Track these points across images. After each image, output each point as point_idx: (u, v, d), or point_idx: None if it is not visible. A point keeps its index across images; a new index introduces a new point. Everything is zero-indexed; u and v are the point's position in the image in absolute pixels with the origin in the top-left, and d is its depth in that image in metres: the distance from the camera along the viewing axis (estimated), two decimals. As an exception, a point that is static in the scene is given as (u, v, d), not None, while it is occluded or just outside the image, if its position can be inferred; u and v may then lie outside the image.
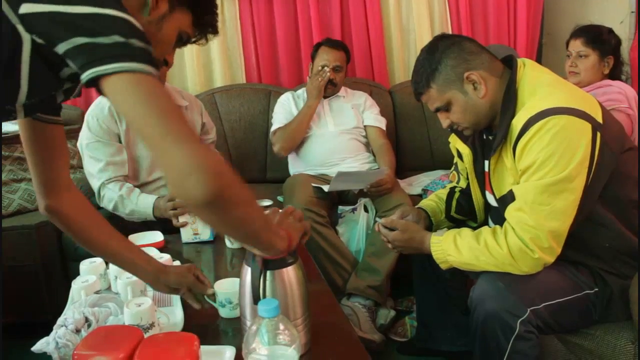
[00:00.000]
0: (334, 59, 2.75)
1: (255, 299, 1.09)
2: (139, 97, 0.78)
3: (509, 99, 1.45)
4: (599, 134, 1.36)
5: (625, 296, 1.45)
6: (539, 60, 3.46)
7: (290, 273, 1.14)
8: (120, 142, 2.20)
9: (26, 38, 0.80)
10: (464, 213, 1.79)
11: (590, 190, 1.39)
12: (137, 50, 0.80)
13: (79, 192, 1.30)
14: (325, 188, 2.42)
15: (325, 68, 2.73)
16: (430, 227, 1.76)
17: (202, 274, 1.38)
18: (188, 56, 3.21)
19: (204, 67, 3.25)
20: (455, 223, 1.81)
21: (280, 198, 2.62)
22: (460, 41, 1.50)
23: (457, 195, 1.81)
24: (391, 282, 2.39)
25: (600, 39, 2.31)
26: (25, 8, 0.79)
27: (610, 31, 2.36)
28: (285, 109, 2.82)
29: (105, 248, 1.29)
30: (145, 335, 1.14)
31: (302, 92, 2.91)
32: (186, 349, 1.04)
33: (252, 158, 3.07)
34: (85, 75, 0.78)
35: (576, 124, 1.34)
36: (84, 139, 2.19)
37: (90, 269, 1.59)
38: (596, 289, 1.47)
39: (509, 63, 1.51)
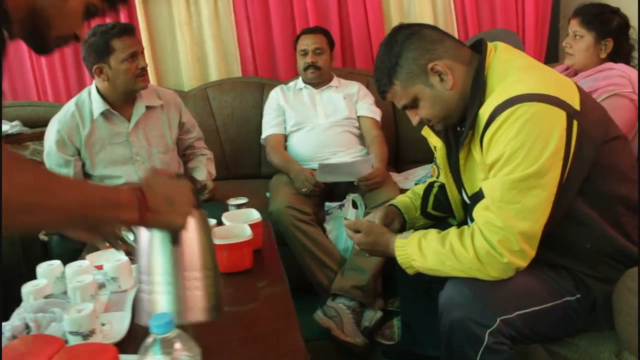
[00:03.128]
0: (312, 42, 2.66)
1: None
2: None
3: (477, 87, 1.33)
4: (575, 122, 1.23)
5: (609, 304, 1.31)
6: (553, 46, 3.26)
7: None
8: (78, 149, 2.23)
9: None
10: (443, 209, 1.66)
11: (567, 185, 1.25)
12: None
13: None
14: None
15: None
16: (404, 225, 1.64)
17: None
18: (182, 50, 3.14)
19: (199, 61, 3.18)
20: (434, 220, 1.68)
21: (268, 194, 2.53)
22: (420, 30, 1.38)
23: (435, 190, 1.68)
24: (383, 280, 2.28)
25: (599, 19, 2.13)
26: None
27: (613, 11, 2.17)
28: (273, 108, 2.74)
29: None
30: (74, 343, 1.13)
31: (293, 83, 2.81)
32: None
33: (245, 153, 2.98)
34: None
35: (548, 112, 1.21)
36: (45, 142, 2.27)
37: (47, 271, 1.52)
38: (578, 295, 1.33)
39: (479, 48, 1.37)
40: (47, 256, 2.33)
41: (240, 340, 1.27)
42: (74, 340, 1.22)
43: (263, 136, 2.72)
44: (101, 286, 1.51)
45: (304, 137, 2.63)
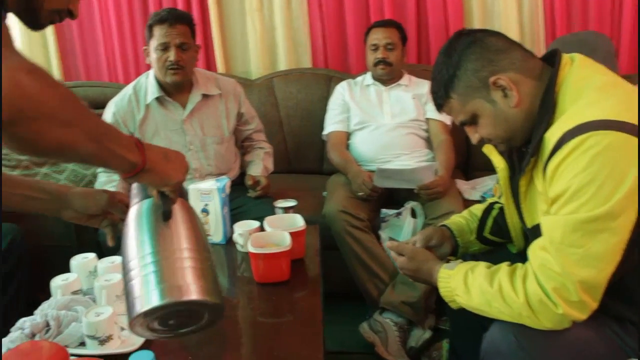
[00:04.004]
0: (383, 36, 2.50)
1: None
2: None
3: (545, 106, 1.16)
4: None
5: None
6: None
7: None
8: (132, 133, 2.14)
9: None
10: (501, 235, 1.49)
11: None
12: None
13: None
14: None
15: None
16: (457, 249, 1.49)
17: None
18: (252, 38, 3.08)
19: (268, 49, 3.10)
20: (491, 246, 1.52)
21: (325, 194, 2.43)
22: (483, 37, 1.21)
23: (495, 212, 1.51)
24: (437, 296, 2.14)
25: None
26: None
27: None
28: (338, 103, 2.62)
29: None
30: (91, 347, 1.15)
31: (361, 78, 2.68)
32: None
33: (308, 147, 2.89)
34: None
35: (626, 143, 1.02)
36: None
37: (80, 265, 1.50)
38: (646, 356, 1.15)
39: (553, 60, 1.20)
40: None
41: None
42: (91, 344, 1.19)
43: (325, 132, 2.61)
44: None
45: (367, 137, 2.50)
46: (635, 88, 1.18)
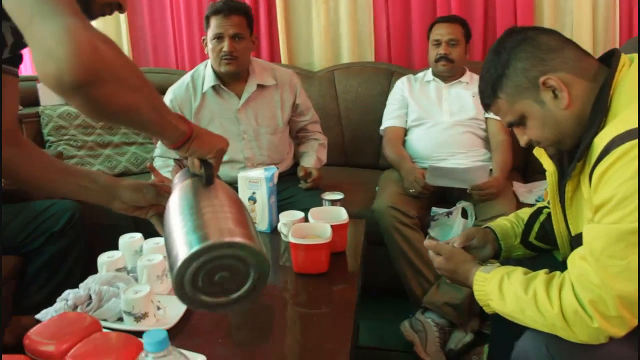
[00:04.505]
0: (447, 32, 2.44)
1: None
2: None
3: (598, 109, 1.09)
4: None
5: None
6: None
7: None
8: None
9: None
10: (547, 241, 1.43)
11: None
12: None
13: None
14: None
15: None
16: (499, 252, 1.45)
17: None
18: (316, 29, 3.09)
19: (332, 41, 3.11)
20: (536, 252, 1.46)
21: (377, 189, 2.41)
22: (535, 36, 1.16)
23: (542, 217, 1.45)
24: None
25: None
26: None
27: None
28: (397, 98, 2.59)
29: (51, 187, 1.26)
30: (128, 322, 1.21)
31: (422, 74, 2.63)
32: (121, 354, 0.98)
33: (366, 142, 2.87)
34: None
35: None
36: None
37: (127, 244, 1.56)
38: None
39: (609, 61, 1.13)
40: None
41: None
42: (127, 320, 1.24)
43: (382, 127, 2.59)
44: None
45: (423, 134, 2.46)
46: None
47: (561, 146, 1.20)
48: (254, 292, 0.88)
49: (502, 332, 1.56)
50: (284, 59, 3.14)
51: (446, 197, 2.28)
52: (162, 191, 1.23)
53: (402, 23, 3.02)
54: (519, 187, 2.37)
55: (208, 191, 0.97)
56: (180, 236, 0.86)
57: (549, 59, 1.13)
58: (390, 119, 2.55)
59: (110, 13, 1.10)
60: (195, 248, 0.81)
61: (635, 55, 1.14)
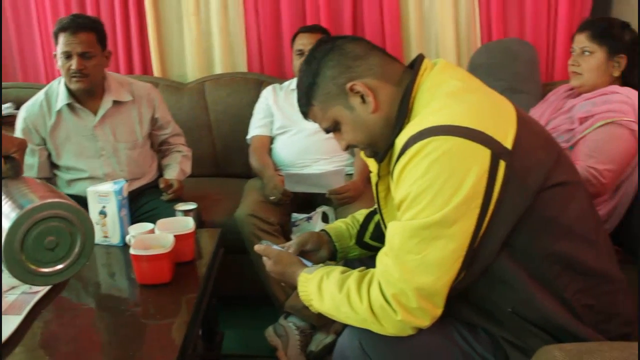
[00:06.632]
0: (309, 42, 2.48)
1: None
2: None
3: (401, 111, 1.16)
4: (502, 164, 1.03)
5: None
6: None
7: None
8: (44, 139, 2.19)
9: None
10: (382, 240, 1.47)
11: (487, 237, 1.06)
12: None
13: None
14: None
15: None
16: (335, 254, 1.50)
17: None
18: (188, 41, 3.06)
19: (204, 53, 3.09)
20: (372, 251, 1.51)
21: (243, 198, 2.43)
22: (342, 44, 1.21)
23: (377, 217, 1.51)
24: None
25: (610, 33, 1.91)
26: None
27: (624, 25, 1.94)
28: (262, 107, 2.63)
29: None
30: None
31: (287, 83, 2.68)
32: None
33: (236, 152, 2.85)
34: None
35: (466, 149, 1.02)
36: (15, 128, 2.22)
37: None
38: (493, 363, 1.15)
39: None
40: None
41: None
42: None
43: (248, 136, 2.61)
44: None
45: (287, 141, 2.50)
46: (494, 96, 1.19)
47: (376, 148, 1.25)
48: (83, 255, 0.93)
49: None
50: (156, 71, 3.09)
51: (310, 203, 2.33)
52: None
53: (273, 34, 3.05)
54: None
55: (18, 180, 1.00)
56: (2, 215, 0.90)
57: (355, 65, 1.19)
58: (255, 128, 2.58)
59: None
60: (20, 211, 0.86)
61: (440, 60, 1.22)
